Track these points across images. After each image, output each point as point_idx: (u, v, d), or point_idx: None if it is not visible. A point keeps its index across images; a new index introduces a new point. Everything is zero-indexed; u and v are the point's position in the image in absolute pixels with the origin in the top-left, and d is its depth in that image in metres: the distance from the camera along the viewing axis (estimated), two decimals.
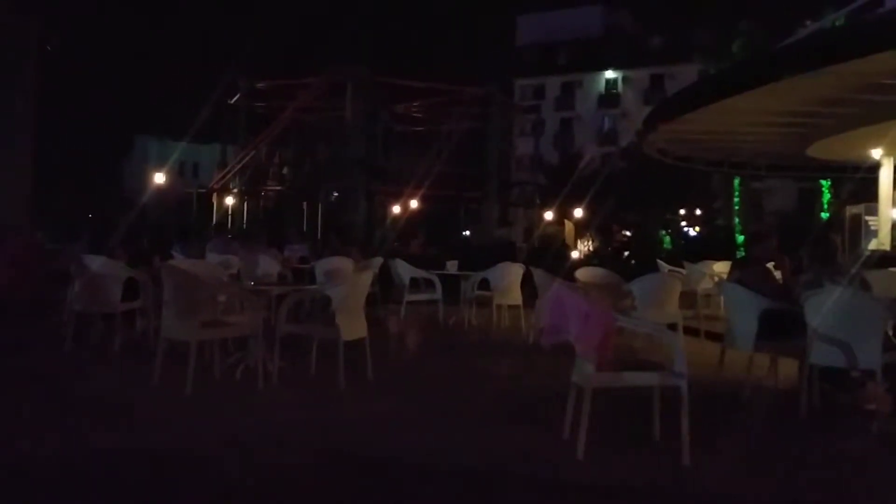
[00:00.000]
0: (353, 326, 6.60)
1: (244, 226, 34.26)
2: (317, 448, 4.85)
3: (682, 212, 42.17)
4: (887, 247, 15.76)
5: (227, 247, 13.45)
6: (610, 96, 59.48)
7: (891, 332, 5.99)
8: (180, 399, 5.85)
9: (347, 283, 7.42)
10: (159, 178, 33.71)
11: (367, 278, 7.23)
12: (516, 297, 11.21)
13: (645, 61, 56.52)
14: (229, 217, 36.35)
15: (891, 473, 4.76)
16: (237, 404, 5.94)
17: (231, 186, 37.27)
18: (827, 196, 32.54)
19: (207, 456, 4.64)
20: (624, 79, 59.13)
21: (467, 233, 41.32)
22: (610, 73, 59.53)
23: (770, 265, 7.52)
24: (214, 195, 37.34)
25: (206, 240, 14.49)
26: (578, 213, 34.62)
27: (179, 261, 9.20)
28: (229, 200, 37.17)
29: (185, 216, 36.89)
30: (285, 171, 40.65)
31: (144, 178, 38.35)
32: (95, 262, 8.13)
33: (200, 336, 6.26)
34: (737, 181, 33.92)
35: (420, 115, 38.01)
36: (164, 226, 25.40)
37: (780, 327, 6.25)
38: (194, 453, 4.68)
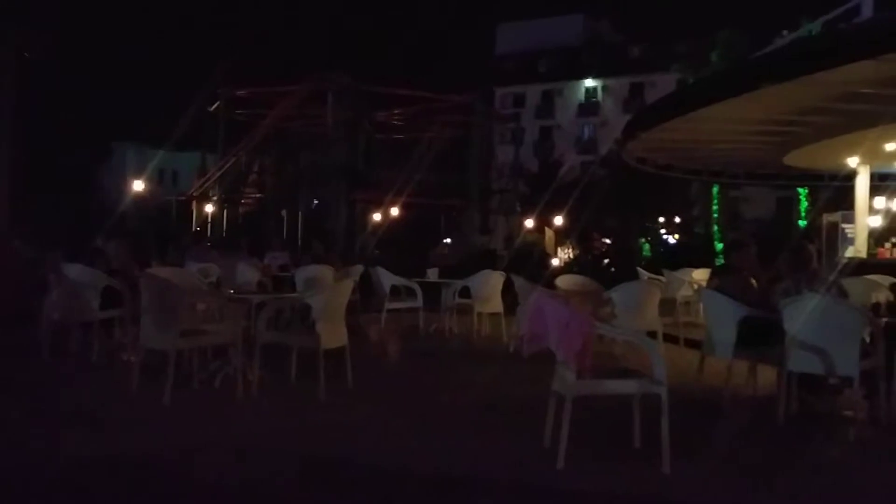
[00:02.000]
0: (333, 335, 6.58)
1: (224, 234, 34.07)
2: (297, 456, 4.83)
3: (661, 220, 42.40)
4: (864, 254, 15.90)
5: (206, 255, 13.39)
6: (590, 105, 59.80)
7: (868, 339, 6.05)
8: (159, 408, 5.80)
9: (328, 291, 7.40)
10: (138, 185, 33.49)
11: (347, 286, 7.21)
12: (497, 304, 11.22)
13: (624, 70, 56.91)
14: (209, 225, 36.15)
15: (868, 480, 4.80)
16: (216, 413, 5.90)
17: (211, 194, 37.08)
18: (804, 204, 32.89)
19: (186, 465, 4.60)
20: (604, 87, 59.49)
21: (448, 240, 41.34)
22: (590, 82, 59.87)
23: (748, 273, 7.58)
24: (194, 203, 37.13)
25: (186, 248, 14.40)
26: (559, 220, 34.73)
27: (158, 269, 9.14)
28: (209, 208, 36.97)
29: (165, 224, 36.63)
30: (265, 178, 40.50)
31: (123, 186, 38.07)
32: (73, 271, 8.05)
33: (179, 345, 6.21)
34: (715, 189, 34.21)
35: (401, 123, 38.03)
36: (143, 234, 25.23)
37: (759, 335, 6.29)
38: (173, 462, 4.64)
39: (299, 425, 5.59)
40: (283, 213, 38.45)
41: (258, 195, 39.65)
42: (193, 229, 33.93)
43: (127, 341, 7.88)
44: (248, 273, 11.13)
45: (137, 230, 30.31)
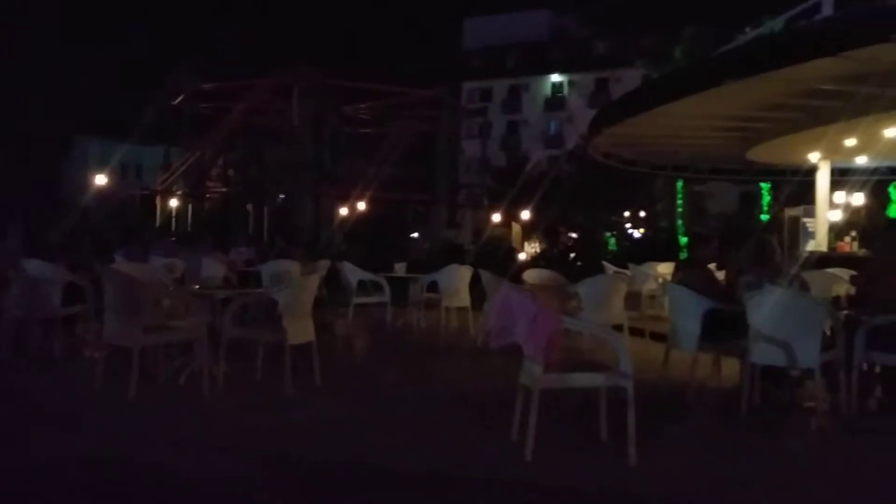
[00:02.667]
0: (299, 330, 6.54)
1: (189, 228, 33.70)
2: (263, 453, 4.79)
3: (626, 214, 42.78)
4: (825, 248, 16.17)
5: (171, 250, 13.23)
6: (556, 100, 60.10)
7: (828, 332, 6.16)
8: (123, 405, 5.73)
9: (294, 286, 7.35)
10: (101, 179, 32.98)
11: (313, 281, 7.18)
12: (464, 299, 11.24)
13: (590, 65, 57.25)
14: (173, 220, 35.73)
15: (829, 468, 4.88)
16: (182, 410, 5.84)
17: (175, 189, 36.63)
18: (767, 199, 33.34)
19: (151, 462, 4.55)
20: (569, 82, 59.80)
21: (416, 235, 41.32)
22: (556, 77, 60.15)
23: (712, 266, 7.68)
24: (158, 197, 36.66)
25: (150, 243, 14.22)
26: (525, 215, 34.86)
27: (121, 264, 9.02)
28: (173, 203, 36.53)
29: (128, 219, 36.15)
30: (231, 173, 40.11)
31: (85, 180, 37.50)
32: (33, 266, 7.92)
33: (143, 341, 6.14)
34: (680, 184, 34.55)
35: (368, 118, 37.88)
36: (106, 228, 24.87)
37: (723, 327, 6.38)
38: (138, 460, 4.59)
39: (266, 422, 5.55)
40: (249, 207, 38.14)
41: (223, 190, 39.26)
42: (157, 224, 33.51)
43: (90, 338, 7.78)
44: (213, 268, 11.02)
45: (100, 225, 29.89)
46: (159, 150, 41.05)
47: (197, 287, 8.20)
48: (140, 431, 5.22)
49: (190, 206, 37.12)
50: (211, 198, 39.61)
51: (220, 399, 6.12)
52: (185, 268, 10.86)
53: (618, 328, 8.32)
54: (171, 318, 6.91)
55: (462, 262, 12.82)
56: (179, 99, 35.92)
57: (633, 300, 11.16)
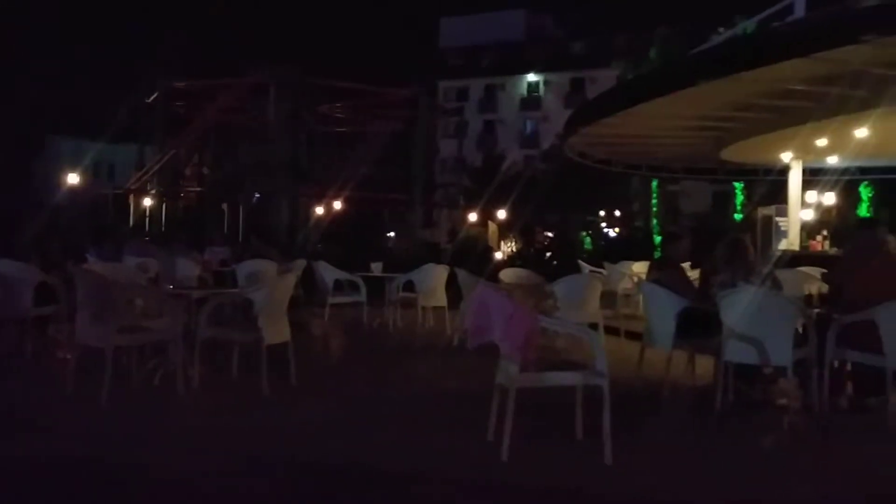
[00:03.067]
0: (275, 330, 6.51)
1: (163, 228, 33.41)
2: (238, 454, 4.77)
3: (601, 213, 43.02)
4: (797, 247, 16.36)
5: (144, 249, 13.10)
6: (532, 99, 60.26)
7: (800, 330, 6.23)
8: (96, 407, 5.66)
9: (270, 285, 7.32)
10: (73, 178, 32.57)
11: (289, 281, 7.15)
12: (441, 298, 11.24)
13: (566, 65, 57.46)
14: (147, 219, 35.40)
15: (801, 465, 4.95)
16: (156, 411, 5.79)
17: (149, 188, 36.28)
18: (740, 198, 33.67)
19: (126, 464, 4.51)
20: (545, 82, 59.98)
21: (392, 234, 41.27)
22: (532, 77, 60.31)
23: (686, 265, 7.74)
24: (131, 196, 36.29)
25: (123, 242, 14.08)
26: (502, 214, 34.94)
27: (94, 264, 8.93)
28: (147, 202, 36.17)
29: (101, 218, 35.76)
30: (206, 172, 39.81)
31: (57, 179, 37.01)
32: (5, 266, 7.81)
33: (117, 342, 6.07)
34: (654, 183, 34.80)
35: (344, 117, 37.74)
36: (78, 228, 24.59)
37: (697, 326, 6.43)
38: (112, 462, 4.55)
39: (241, 422, 5.52)
40: (224, 207, 37.88)
41: (198, 189, 38.95)
42: (131, 223, 33.18)
43: (62, 339, 7.69)
44: (187, 268, 10.93)
45: (72, 224, 29.54)
46: (133, 148, 40.64)
47: (171, 287, 8.12)
48: (113, 432, 5.18)
49: (164, 206, 36.79)
50: (185, 197, 39.29)
51: (194, 400, 6.07)
52: (159, 267, 10.76)
53: (593, 327, 8.34)
54: (144, 319, 6.85)
55: (438, 262, 12.83)
56: (153, 97, 35.59)
57: (608, 299, 11.23)
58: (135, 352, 6.63)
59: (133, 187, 36.44)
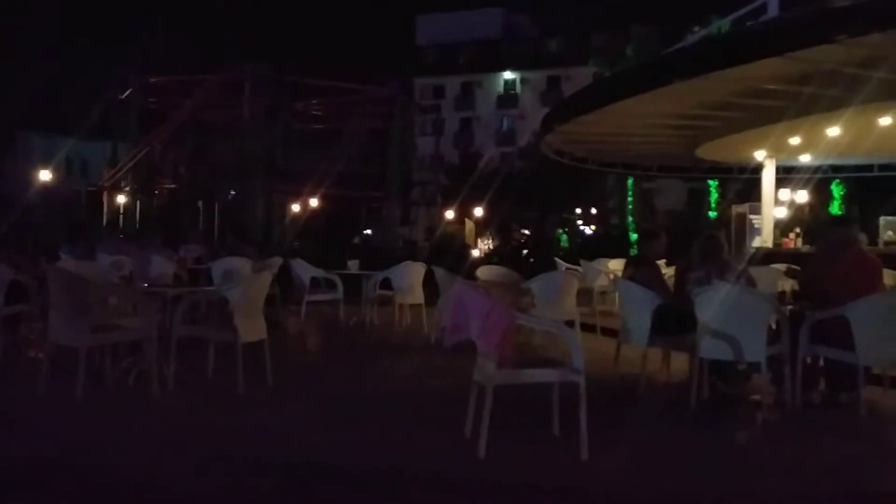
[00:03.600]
0: (251, 328, 6.48)
1: (137, 225, 33.09)
2: (214, 453, 4.74)
3: (578, 211, 43.20)
4: (770, 244, 16.53)
5: (118, 247, 12.97)
6: (508, 97, 60.35)
7: (774, 326, 6.30)
8: (69, 406, 5.61)
9: (245, 283, 7.28)
10: (45, 175, 32.18)
11: (265, 279, 7.11)
12: (418, 296, 11.24)
13: (542, 63, 57.61)
14: (121, 216, 35.05)
15: (774, 459, 5.00)
16: (131, 411, 5.74)
17: (123, 185, 35.92)
18: (714, 196, 33.98)
19: (100, 464, 4.47)
20: (522, 80, 60.10)
21: (368, 231, 41.19)
22: (508, 74, 60.40)
23: (661, 263, 7.80)
24: (105, 194, 35.91)
25: (97, 240, 13.93)
26: (479, 212, 34.99)
27: (67, 262, 8.83)
28: (121, 199, 35.82)
29: (74, 215, 35.35)
30: (181, 169, 39.48)
31: (28, 176, 36.53)
32: None
33: (91, 341, 6.01)
34: (630, 181, 35.04)
35: (320, 114, 37.58)
36: (51, 226, 24.29)
37: (673, 323, 6.48)
38: (86, 461, 4.50)
39: (217, 421, 5.49)
40: (199, 204, 37.60)
41: (173, 186, 38.62)
42: (104, 221, 32.84)
43: (34, 338, 7.60)
44: (162, 266, 10.85)
45: (44, 222, 29.19)
46: (106, 145, 40.26)
47: (146, 285, 8.06)
48: (87, 432, 5.13)
49: (138, 203, 36.46)
50: (160, 194, 38.94)
51: (169, 399, 6.03)
52: (134, 265, 10.67)
53: (570, 324, 8.39)
54: (118, 317, 6.79)
55: (416, 259, 12.83)
56: (127, 93, 35.24)
57: (584, 296, 11.29)
58: (109, 351, 6.57)
59: (107, 184, 36.06)
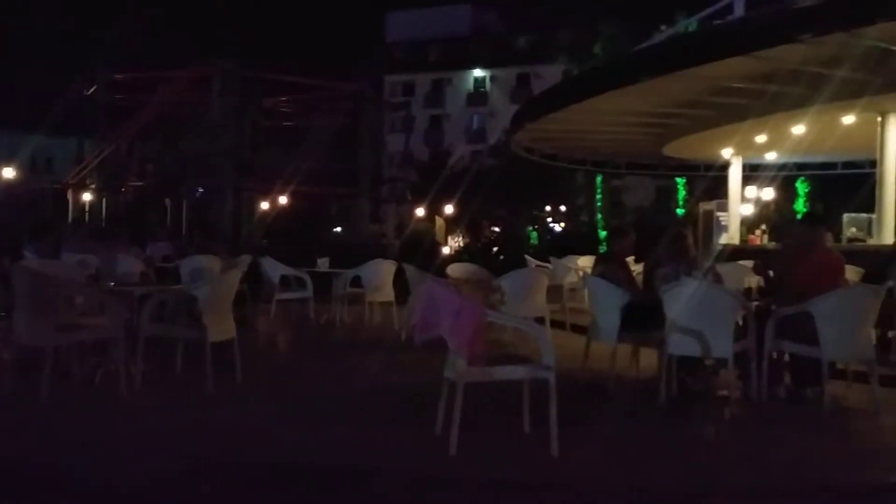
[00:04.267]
0: (220, 327, 6.43)
1: (103, 223, 32.67)
2: (183, 453, 4.69)
3: (547, 208, 43.38)
4: (737, 241, 16.75)
5: (84, 245, 12.79)
6: (478, 94, 60.42)
7: (740, 322, 6.38)
8: (35, 407, 5.53)
9: (214, 282, 7.23)
10: (8, 172, 31.65)
11: (234, 277, 7.06)
12: (388, 293, 11.23)
13: (511, 61, 57.74)
14: (87, 214, 34.58)
15: (741, 453, 5.07)
16: (97, 411, 5.67)
17: (88, 182, 35.45)
18: (682, 193, 34.32)
19: (66, 465, 4.41)
20: (492, 77, 60.20)
21: (339, 229, 41.06)
22: (478, 72, 60.47)
23: (630, 259, 7.86)
24: (70, 191, 35.41)
25: (62, 238, 13.73)
26: (449, 209, 35.00)
27: (32, 260, 8.69)
28: (87, 197, 35.36)
29: (39, 213, 34.82)
30: (148, 166, 39.03)
31: None
32: None
33: (56, 340, 5.93)
34: (599, 179, 35.26)
35: (290, 110, 37.36)
36: (15, 224, 23.87)
37: (641, 319, 6.54)
38: (52, 462, 4.44)
39: (186, 422, 5.44)
40: (167, 202, 37.21)
41: (140, 183, 38.18)
42: (70, 219, 32.37)
43: None
44: (129, 264, 10.72)
45: (8, 220, 28.69)
46: (72, 142, 39.69)
47: (112, 284, 7.95)
48: (52, 433, 5.06)
49: (104, 200, 36.01)
50: (127, 191, 38.48)
51: (137, 399, 5.96)
52: (100, 264, 10.52)
53: (540, 321, 8.44)
54: (85, 317, 6.70)
55: (385, 257, 12.81)
56: (93, 89, 34.77)
57: (554, 293, 11.35)
58: (75, 350, 6.48)
59: (72, 181, 35.56)
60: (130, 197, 38.71)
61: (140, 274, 10.46)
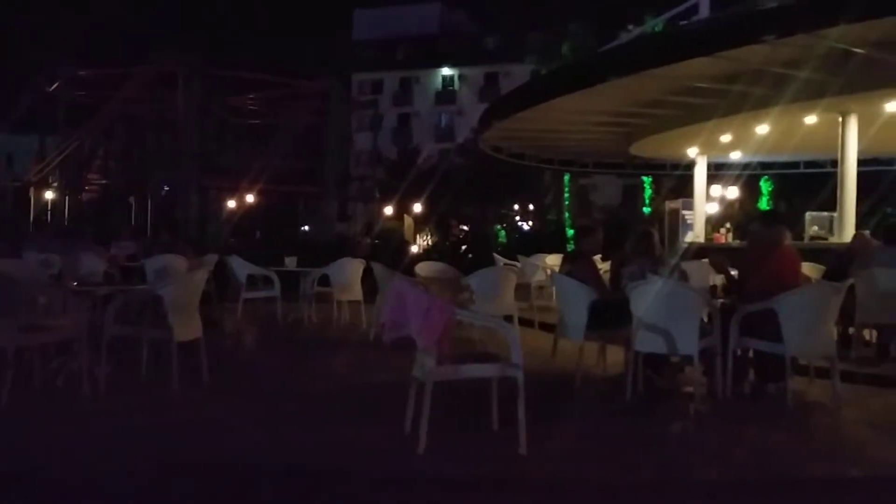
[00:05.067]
0: (186, 327, 6.37)
1: (66, 222, 32.17)
2: (148, 455, 4.64)
3: (516, 207, 43.55)
4: (702, 239, 16.93)
5: (46, 244, 12.59)
6: (447, 93, 60.43)
7: (706, 319, 6.46)
8: None
9: (180, 281, 7.15)
10: None
11: (200, 276, 7.00)
12: (357, 292, 11.19)
13: (480, 60, 57.85)
14: (49, 213, 34.03)
15: (706, 448, 5.13)
16: (61, 414, 5.58)
17: (51, 180, 34.88)
18: (648, 192, 34.64)
19: (28, 470, 4.33)
20: (460, 76, 60.25)
21: (306, 228, 40.85)
22: (446, 71, 60.49)
23: (597, 258, 7.92)
24: (32, 189, 34.81)
25: (24, 237, 13.51)
26: (417, 208, 34.98)
27: None
28: (49, 195, 34.80)
29: None
30: (111, 164, 38.50)
31: None
32: None
33: (18, 341, 5.82)
34: (566, 177, 35.44)
35: (256, 108, 37.08)
36: None
37: (608, 317, 6.59)
38: (13, 467, 4.36)
39: (151, 422, 5.38)
40: (131, 200, 36.75)
41: (104, 182, 37.65)
42: (31, 217, 31.83)
43: None
44: (93, 264, 10.56)
45: None
46: (33, 139, 39.00)
47: (76, 283, 7.84)
48: (14, 436, 4.97)
49: (67, 199, 35.47)
50: (90, 190, 37.94)
51: (101, 400, 5.87)
52: (63, 263, 10.37)
53: (508, 319, 8.46)
54: (47, 317, 6.59)
55: (353, 255, 12.76)
56: (55, 86, 34.23)
57: (522, 291, 11.39)
58: (37, 352, 6.38)
59: (34, 179, 34.94)
60: (94, 195, 38.20)
61: (104, 273, 10.32)
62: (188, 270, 9.42)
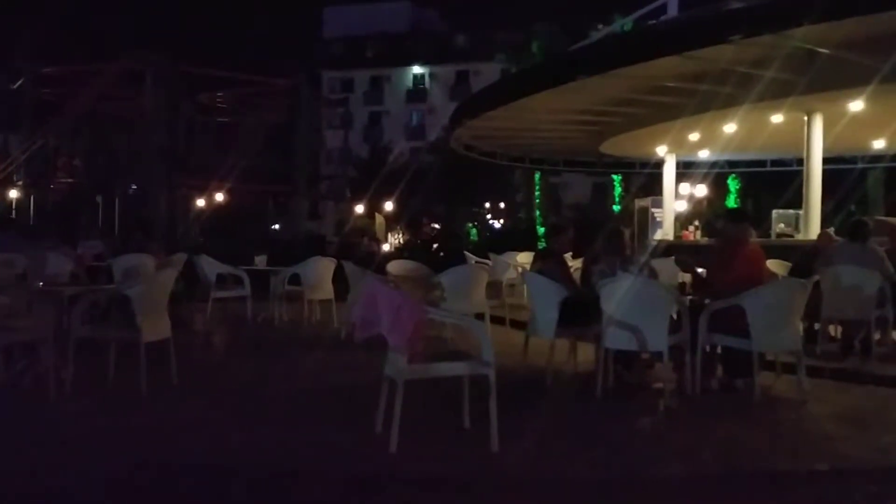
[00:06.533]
0: (155, 327, 6.30)
1: (31, 221, 31.69)
2: (116, 457, 4.59)
3: (487, 205, 43.66)
4: (671, 237, 17.10)
5: (11, 244, 12.40)
6: (418, 91, 60.43)
7: (675, 316, 6.52)
8: None
9: (148, 281, 7.08)
10: None
11: (169, 276, 6.93)
12: (328, 291, 11.15)
13: (450, 58, 57.92)
14: (13, 212, 33.50)
15: (676, 443, 5.18)
16: (26, 416, 5.49)
17: (15, 179, 34.35)
18: (618, 190, 34.91)
19: None
20: (431, 75, 60.26)
21: (276, 226, 40.63)
22: (417, 69, 60.47)
23: (568, 255, 7.96)
24: None
25: None
26: (389, 206, 34.94)
27: None
28: (13, 194, 34.27)
29: None
30: (77, 162, 38.00)
31: None
32: None
33: None
34: (537, 176, 35.62)
35: (225, 107, 36.81)
36: None
37: (579, 314, 6.63)
38: None
39: (119, 424, 5.31)
40: (99, 199, 36.30)
41: (70, 180, 37.15)
42: None
43: None
44: (59, 264, 10.42)
45: None
46: None
47: (41, 284, 7.74)
48: None
49: (32, 197, 34.95)
50: (56, 188, 37.41)
51: (68, 402, 5.79)
52: (28, 263, 10.22)
53: (479, 317, 8.48)
54: (12, 318, 6.49)
55: (324, 254, 12.71)
56: (19, 83, 33.69)
57: (493, 289, 11.42)
58: (2, 353, 6.27)
59: None
60: (60, 194, 37.66)
61: (70, 274, 10.18)
62: (157, 270, 9.33)
